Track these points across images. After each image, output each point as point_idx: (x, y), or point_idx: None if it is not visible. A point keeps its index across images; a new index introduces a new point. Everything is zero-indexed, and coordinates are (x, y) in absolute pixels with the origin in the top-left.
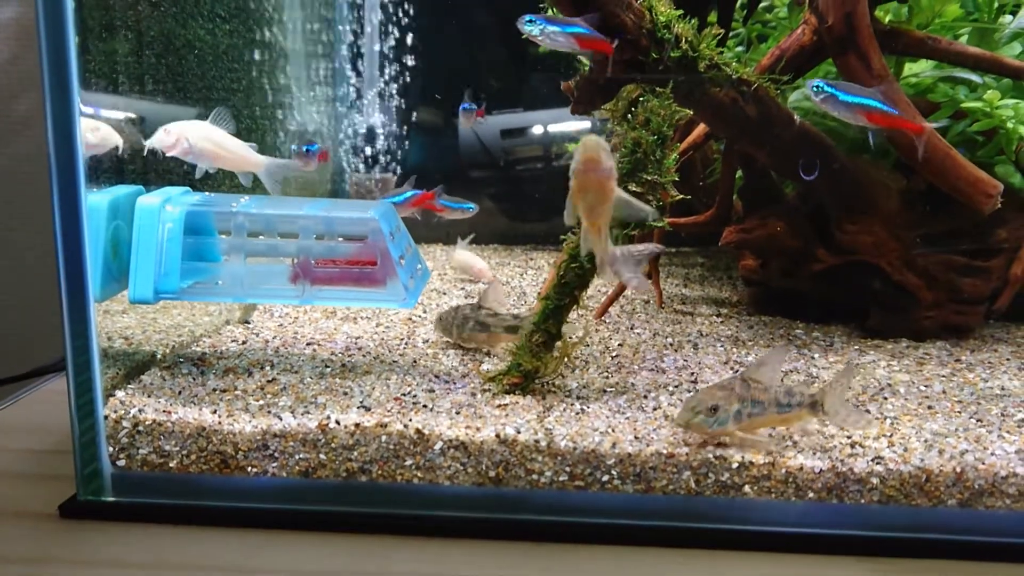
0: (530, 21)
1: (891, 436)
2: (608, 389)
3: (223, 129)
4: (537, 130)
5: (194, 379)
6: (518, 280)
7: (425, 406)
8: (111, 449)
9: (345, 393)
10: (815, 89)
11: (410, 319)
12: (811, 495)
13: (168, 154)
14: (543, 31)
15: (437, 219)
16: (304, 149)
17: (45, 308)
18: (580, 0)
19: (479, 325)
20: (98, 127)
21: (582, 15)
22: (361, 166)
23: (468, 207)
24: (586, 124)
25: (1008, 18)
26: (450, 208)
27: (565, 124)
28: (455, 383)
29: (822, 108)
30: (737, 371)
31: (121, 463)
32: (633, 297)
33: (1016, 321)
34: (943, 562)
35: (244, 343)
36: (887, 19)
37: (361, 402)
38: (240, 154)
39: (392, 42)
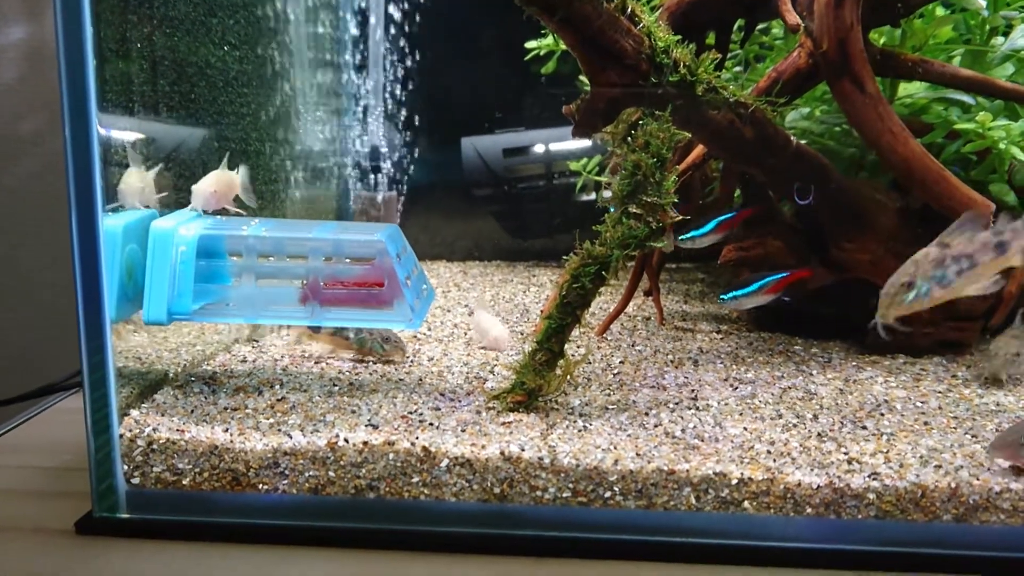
0: None
1: (887, 452)
2: (610, 406)
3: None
4: (539, 149)
5: (206, 398)
6: (521, 297)
7: (431, 424)
8: (126, 467)
9: (353, 411)
10: None
11: (416, 338)
12: (809, 511)
13: None
14: None
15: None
16: None
17: (52, 324)
18: (579, 28)
19: None
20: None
21: (582, 44)
22: (363, 184)
23: None
24: (587, 144)
25: (1000, 40)
26: None
27: (567, 143)
28: (460, 401)
29: None
30: (736, 387)
31: (136, 480)
32: (634, 314)
33: None
34: None
35: (253, 362)
36: (881, 41)
37: (369, 420)
38: None
39: (396, 62)
